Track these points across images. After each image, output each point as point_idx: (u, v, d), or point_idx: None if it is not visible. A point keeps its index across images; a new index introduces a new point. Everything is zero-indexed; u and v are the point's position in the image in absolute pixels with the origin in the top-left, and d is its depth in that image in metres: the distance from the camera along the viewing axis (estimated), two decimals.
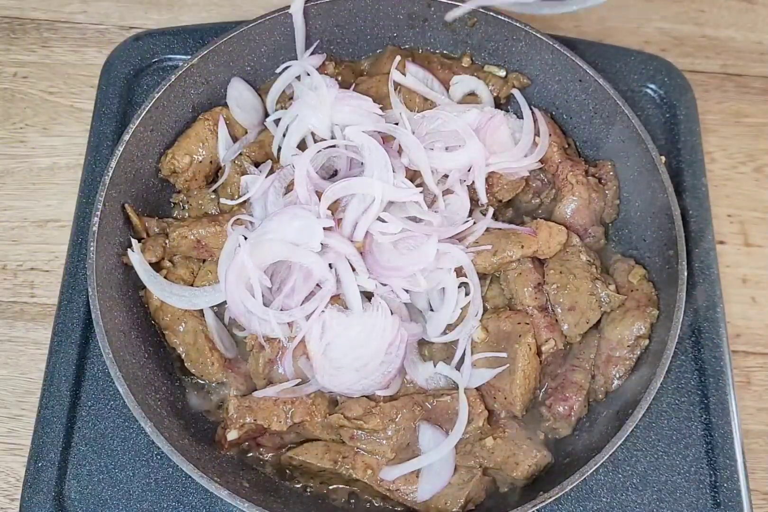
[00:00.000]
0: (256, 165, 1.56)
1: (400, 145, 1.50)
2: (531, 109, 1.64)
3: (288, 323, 1.40)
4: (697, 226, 1.67)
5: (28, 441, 1.48)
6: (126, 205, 1.48)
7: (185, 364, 1.46)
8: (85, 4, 1.95)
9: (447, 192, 1.51)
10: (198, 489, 1.44)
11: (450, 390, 1.42)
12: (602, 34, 1.98)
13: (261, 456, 1.44)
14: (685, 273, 1.43)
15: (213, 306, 1.48)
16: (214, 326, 1.46)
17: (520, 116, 1.61)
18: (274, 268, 1.44)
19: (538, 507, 1.28)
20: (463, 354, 1.44)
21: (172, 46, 1.80)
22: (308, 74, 1.60)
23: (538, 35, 1.59)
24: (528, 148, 1.56)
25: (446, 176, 1.51)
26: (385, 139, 1.51)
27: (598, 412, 1.46)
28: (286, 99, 1.64)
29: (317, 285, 1.41)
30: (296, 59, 1.66)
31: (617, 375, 1.46)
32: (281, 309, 1.41)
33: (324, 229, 1.39)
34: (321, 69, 1.63)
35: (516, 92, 1.64)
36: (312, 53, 1.65)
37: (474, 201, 1.53)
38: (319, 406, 1.39)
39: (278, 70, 1.64)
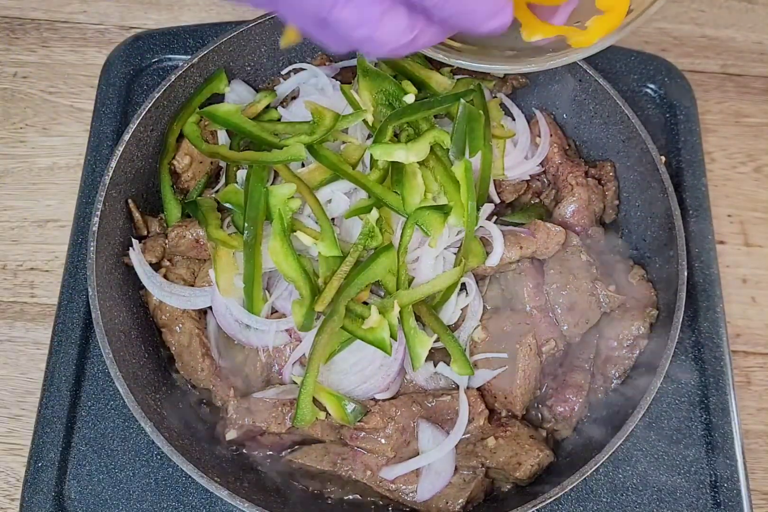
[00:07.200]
0: None
1: None
2: (533, 110, 1.64)
3: (287, 330, 1.40)
4: (697, 226, 1.67)
5: (28, 441, 1.48)
6: (129, 200, 1.48)
7: (176, 365, 1.45)
8: (85, 4, 1.95)
9: None
10: (198, 489, 1.44)
11: (450, 390, 1.42)
12: None
13: (261, 457, 1.43)
14: (685, 274, 1.43)
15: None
16: (214, 332, 1.45)
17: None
18: (270, 274, 1.44)
19: (538, 507, 1.28)
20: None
21: (172, 46, 1.79)
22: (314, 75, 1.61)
23: None
24: (527, 149, 1.56)
25: None
26: None
27: (598, 412, 1.46)
28: (288, 99, 1.64)
29: None
30: (297, 59, 1.65)
31: (616, 375, 1.46)
32: (274, 312, 1.41)
33: None
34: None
35: (502, 95, 1.63)
36: (316, 54, 1.65)
37: None
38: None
39: (284, 72, 1.64)
